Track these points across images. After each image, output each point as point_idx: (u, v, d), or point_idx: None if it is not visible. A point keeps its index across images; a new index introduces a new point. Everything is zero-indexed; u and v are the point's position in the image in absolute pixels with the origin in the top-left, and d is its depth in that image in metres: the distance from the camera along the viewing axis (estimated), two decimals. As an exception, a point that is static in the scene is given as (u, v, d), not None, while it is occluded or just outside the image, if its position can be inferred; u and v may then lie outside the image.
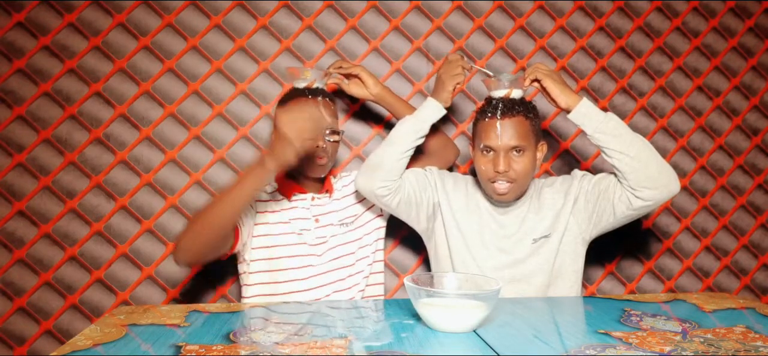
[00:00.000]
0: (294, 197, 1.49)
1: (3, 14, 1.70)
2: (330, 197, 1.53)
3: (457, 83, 1.43)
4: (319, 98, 1.46)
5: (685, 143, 1.97)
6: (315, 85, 1.48)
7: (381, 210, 1.60)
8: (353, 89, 1.58)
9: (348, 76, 1.59)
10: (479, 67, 1.53)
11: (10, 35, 1.70)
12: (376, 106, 1.77)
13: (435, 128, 1.53)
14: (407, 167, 1.49)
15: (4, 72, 1.69)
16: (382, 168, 1.42)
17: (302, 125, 1.18)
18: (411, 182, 1.47)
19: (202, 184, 1.77)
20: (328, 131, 1.45)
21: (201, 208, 1.26)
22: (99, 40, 1.73)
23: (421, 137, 1.44)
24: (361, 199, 1.57)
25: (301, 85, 1.48)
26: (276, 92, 1.80)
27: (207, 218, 1.23)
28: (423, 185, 1.49)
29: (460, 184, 1.54)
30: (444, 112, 1.44)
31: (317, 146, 1.43)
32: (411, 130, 1.43)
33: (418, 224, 1.54)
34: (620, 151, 1.33)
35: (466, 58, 1.44)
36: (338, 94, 1.78)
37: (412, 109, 1.58)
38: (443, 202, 1.49)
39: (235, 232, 1.37)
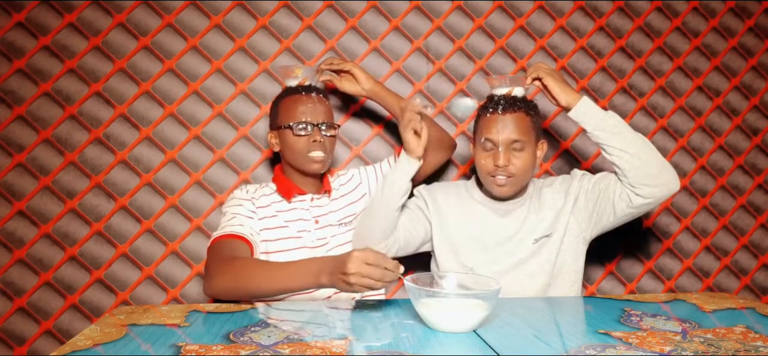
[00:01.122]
0: (293, 199, 1.49)
1: (3, 14, 1.69)
2: (329, 197, 1.53)
3: (414, 129, 1.36)
4: (313, 95, 1.47)
5: (685, 143, 1.97)
6: (307, 83, 1.49)
7: None
8: (346, 85, 1.59)
9: (339, 72, 1.60)
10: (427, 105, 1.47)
11: (10, 35, 1.70)
12: (377, 106, 1.77)
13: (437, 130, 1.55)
14: None
15: (4, 72, 1.69)
16: (376, 233, 1.43)
17: (372, 275, 1.08)
18: (404, 227, 1.48)
19: (202, 184, 1.77)
20: (324, 126, 1.45)
21: (243, 269, 1.21)
22: (99, 40, 1.73)
23: (406, 194, 1.41)
24: (360, 197, 1.57)
25: (293, 83, 1.50)
26: (276, 91, 1.79)
27: (245, 285, 1.21)
28: (415, 220, 1.50)
29: (452, 193, 1.55)
30: (417, 163, 1.40)
31: (314, 141, 1.43)
32: (389, 195, 1.40)
33: (422, 249, 1.56)
34: (620, 148, 1.33)
35: (418, 101, 1.36)
36: (337, 93, 1.78)
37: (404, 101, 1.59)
38: (435, 220, 1.51)
39: (250, 247, 1.36)
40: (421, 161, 1.40)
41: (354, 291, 1.10)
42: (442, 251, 1.50)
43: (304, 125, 1.44)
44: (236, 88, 1.78)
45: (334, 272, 1.11)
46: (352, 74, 1.59)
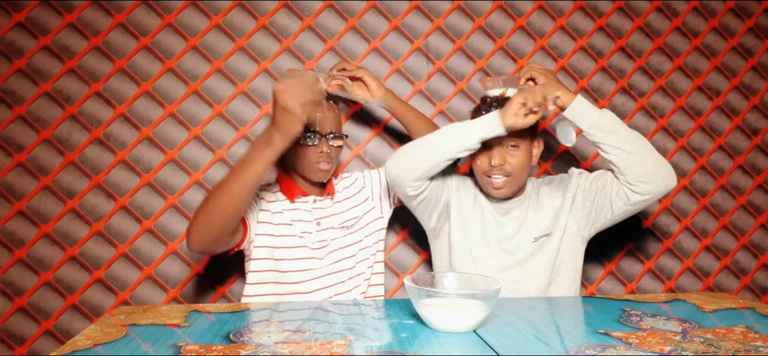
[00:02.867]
0: (296, 199, 1.48)
1: (3, 14, 1.70)
2: (332, 199, 1.53)
3: (527, 107, 1.29)
4: (323, 102, 1.43)
5: (685, 143, 1.97)
6: None
7: (382, 211, 1.59)
8: (356, 92, 1.56)
9: (351, 78, 1.57)
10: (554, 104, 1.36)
11: (10, 35, 1.70)
12: (376, 106, 1.77)
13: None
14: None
15: (4, 72, 1.69)
16: (420, 168, 1.37)
17: (301, 91, 1.16)
18: (434, 182, 1.44)
19: (202, 184, 1.77)
20: (331, 136, 1.44)
21: (211, 191, 1.26)
22: (99, 40, 1.73)
23: (470, 150, 1.36)
24: (362, 201, 1.57)
25: None
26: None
27: (217, 200, 1.23)
28: (441, 185, 1.47)
29: (465, 184, 1.54)
30: (504, 131, 1.33)
31: (321, 152, 1.42)
32: (459, 142, 1.34)
33: (429, 223, 1.53)
34: (616, 146, 1.34)
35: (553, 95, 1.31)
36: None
37: (417, 112, 1.58)
38: (454, 202, 1.49)
39: (244, 225, 1.37)
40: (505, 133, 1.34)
41: (294, 116, 1.15)
42: (456, 229, 1.47)
43: (311, 136, 1.41)
44: (236, 88, 1.78)
45: (278, 120, 1.17)
46: (363, 81, 1.55)
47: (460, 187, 1.52)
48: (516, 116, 1.29)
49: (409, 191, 1.41)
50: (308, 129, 1.41)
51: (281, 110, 1.16)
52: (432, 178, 1.42)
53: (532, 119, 1.30)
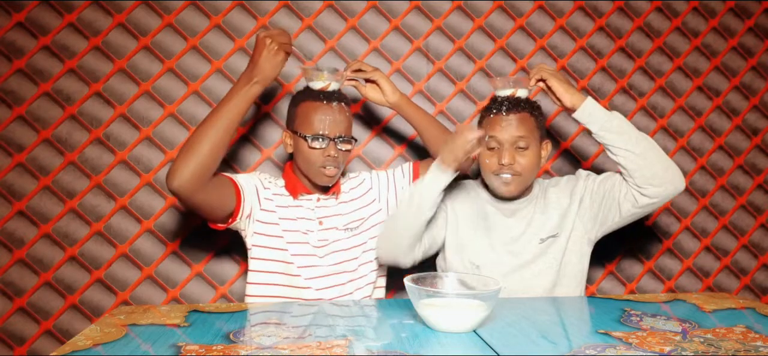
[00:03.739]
0: (300, 197, 1.48)
1: (3, 14, 1.69)
2: (336, 199, 1.51)
3: (467, 153, 1.30)
4: (334, 104, 1.42)
5: (685, 143, 1.97)
6: (330, 88, 1.43)
7: (388, 213, 1.58)
8: (370, 93, 1.54)
9: (366, 80, 1.55)
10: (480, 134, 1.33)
11: (10, 35, 1.70)
12: (377, 106, 1.77)
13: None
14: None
15: (4, 72, 1.69)
16: (405, 241, 1.38)
17: (277, 33, 1.33)
18: (427, 231, 1.45)
19: (202, 184, 1.77)
20: (340, 139, 1.42)
21: (193, 131, 1.32)
22: (99, 40, 1.73)
23: (436, 205, 1.36)
24: (369, 202, 1.55)
25: (317, 86, 1.43)
26: (276, 92, 1.80)
27: (199, 134, 1.30)
28: (434, 221, 1.48)
29: (462, 192, 1.54)
30: (453, 175, 1.33)
31: (328, 156, 1.40)
32: (421, 206, 1.34)
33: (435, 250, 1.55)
34: (625, 149, 1.34)
35: (472, 135, 1.28)
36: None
37: (430, 117, 1.56)
38: (451, 219, 1.50)
39: (238, 198, 1.37)
40: (457, 173, 1.34)
41: (275, 57, 1.31)
42: (451, 250, 1.49)
43: (319, 139, 1.40)
44: (236, 88, 1.78)
45: (253, 57, 1.32)
46: (377, 84, 1.53)
47: (459, 198, 1.52)
48: (455, 158, 1.30)
49: (410, 263, 1.42)
50: (318, 135, 1.40)
51: (265, 52, 1.30)
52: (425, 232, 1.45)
53: (468, 157, 1.31)
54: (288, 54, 1.36)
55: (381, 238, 1.45)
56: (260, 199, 1.43)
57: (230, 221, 1.40)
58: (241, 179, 1.42)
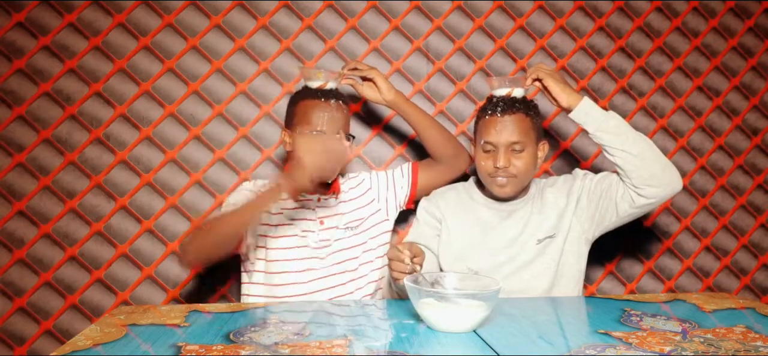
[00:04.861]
0: (300, 196, 1.48)
1: (3, 14, 1.69)
2: (337, 198, 1.52)
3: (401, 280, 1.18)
4: (332, 102, 1.43)
5: (685, 143, 1.97)
6: (328, 87, 1.45)
7: (388, 213, 1.58)
8: (367, 92, 1.55)
9: (362, 78, 1.56)
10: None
11: (10, 35, 1.70)
12: (377, 106, 1.77)
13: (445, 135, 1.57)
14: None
15: (4, 72, 1.69)
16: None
17: (322, 158, 1.22)
18: (429, 260, 1.46)
19: (202, 184, 1.77)
20: (339, 136, 1.42)
21: (210, 220, 1.29)
22: (99, 40, 1.73)
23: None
24: (368, 202, 1.55)
25: (315, 85, 1.45)
26: (276, 92, 1.80)
27: (215, 232, 1.26)
28: (433, 246, 1.50)
29: (452, 198, 1.54)
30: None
31: None
32: (399, 293, 1.33)
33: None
34: (622, 149, 1.33)
35: (407, 260, 1.19)
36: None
37: (428, 116, 1.56)
38: (444, 231, 1.50)
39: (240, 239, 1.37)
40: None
41: (307, 177, 1.21)
42: (446, 258, 1.49)
43: (318, 136, 1.40)
44: (236, 88, 1.78)
45: (291, 171, 1.22)
46: (374, 82, 1.53)
47: (450, 205, 1.52)
48: (399, 281, 1.20)
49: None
50: (317, 133, 1.41)
51: (298, 164, 1.20)
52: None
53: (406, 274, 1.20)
54: (332, 171, 1.29)
55: (385, 293, 1.51)
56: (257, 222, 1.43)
57: (232, 253, 1.41)
58: None
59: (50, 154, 1.71)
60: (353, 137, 1.48)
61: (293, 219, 1.45)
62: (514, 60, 1.89)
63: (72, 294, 1.72)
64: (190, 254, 1.27)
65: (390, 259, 1.24)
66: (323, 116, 1.41)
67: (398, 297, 1.34)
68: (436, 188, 1.60)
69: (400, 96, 1.54)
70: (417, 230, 1.55)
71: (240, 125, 1.79)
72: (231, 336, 0.99)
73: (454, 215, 1.50)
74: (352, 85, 1.57)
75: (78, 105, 1.72)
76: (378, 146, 1.84)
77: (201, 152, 1.77)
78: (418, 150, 1.84)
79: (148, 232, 1.75)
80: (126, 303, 1.74)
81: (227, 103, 1.78)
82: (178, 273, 1.75)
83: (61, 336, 1.71)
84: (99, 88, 1.73)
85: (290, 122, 1.47)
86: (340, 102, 1.45)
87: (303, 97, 1.45)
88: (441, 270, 1.51)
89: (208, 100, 1.77)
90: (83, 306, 1.72)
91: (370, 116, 1.84)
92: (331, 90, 1.45)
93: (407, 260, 1.16)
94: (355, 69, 1.55)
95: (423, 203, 1.56)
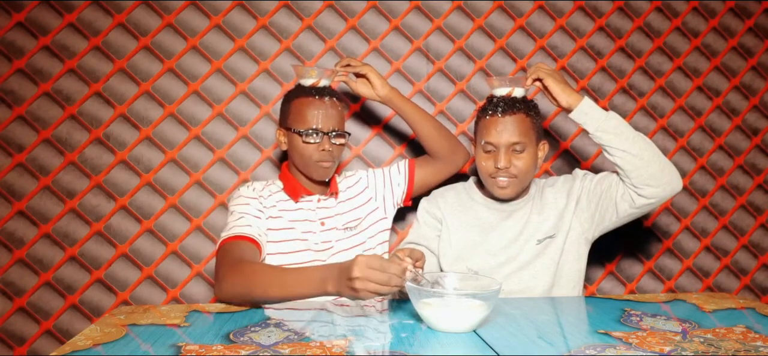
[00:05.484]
0: (300, 199, 1.48)
1: (3, 14, 1.70)
2: (336, 198, 1.52)
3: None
4: (326, 99, 1.44)
5: (685, 143, 1.97)
6: (321, 84, 1.46)
7: (386, 211, 1.58)
8: (360, 88, 1.55)
9: (356, 75, 1.56)
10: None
11: (10, 35, 1.70)
12: (377, 105, 1.77)
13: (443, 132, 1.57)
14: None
15: (4, 72, 1.69)
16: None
17: (379, 283, 1.07)
18: (431, 261, 1.47)
19: (202, 184, 1.77)
20: (334, 133, 1.43)
21: (252, 275, 1.21)
22: (99, 40, 1.73)
23: None
24: (365, 201, 1.55)
25: (307, 83, 1.46)
26: (276, 92, 1.80)
27: (253, 291, 1.20)
28: (434, 247, 1.50)
29: (452, 197, 1.54)
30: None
31: (323, 150, 1.41)
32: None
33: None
34: (622, 149, 1.33)
35: (409, 274, 1.11)
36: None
37: (422, 112, 1.56)
38: (444, 231, 1.50)
39: (259, 250, 1.36)
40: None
41: (360, 298, 1.10)
42: (446, 258, 1.49)
43: (313, 133, 1.41)
44: (236, 88, 1.78)
45: (340, 278, 1.11)
46: (367, 78, 1.54)
47: (449, 205, 1.52)
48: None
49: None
50: (312, 130, 1.40)
51: (351, 281, 1.08)
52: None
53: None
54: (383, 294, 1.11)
55: None
56: (263, 220, 1.42)
57: None
58: (254, 229, 1.37)
59: (50, 154, 1.71)
60: (349, 134, 1.48)
61: (294, 222, 1.45)
62: (514, 60, 1.89)
63: (72, 294, 1.72)
64: (225, 295, 1.23)
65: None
66: (318, 114, 1.41)
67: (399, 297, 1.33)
68: (433, 185, 1.60)
69: (395, 92, 1.54)
70: (417, 231, 1.55)
71: (240, 125, 1.79)
72: (231, 336, 0.99)
73: (454, 216, 1.50)
74: (346, 82, 1.57)
75: (78, 105, 1.72)
76: (378, 146, 1.84)
77: (201, 152, 1.77)
78: (418, 150, 1.84)
79: (148, 232, 1.75)
80: (126, 303, 1.74)
81: (227, 103, 1.78)
82: (178, 272, 1.75)
83: (61, 336, 1.71)
84: (99, 88, 1.73)
85: (285, 120, 1.47)
86: (334, 99, 1.46)
87: (297, 95, 1.46)
88: (441, 270, 1.51)
89: (208, 100, 1.77)
90: (83, 306, 1.72)
91: (369, 116, 1.84)
92: (324, 87, 1.46)
93: (410, 266, 1.15)
94: (349, 66, 1.54)
95: (423, 203, 1.56)
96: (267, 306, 1.25)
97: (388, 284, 1.07)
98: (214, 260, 1.78)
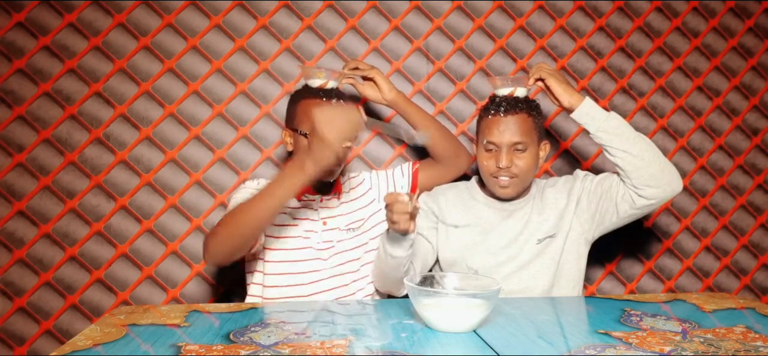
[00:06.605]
0: (303, 197, 1.47)
1: (3, 14, 1.70)
2: (338, 198, 1.51)
3: (403, 225, 1.20)
4: (334, 101, 1.42)
5: (685, 143, 1.97)
6: (329, 86, 1.44)
7: None
8: (367, 91, 1.55)
9: (363, 78, 1.55)
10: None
11: (10, 35, 1.70)
12: (377, 106, 1.77)
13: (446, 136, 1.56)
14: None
15: (4, 72, 1.69)
16: (394, 289, 1.42)
17: (342, 126, 1.13)
18: (420, 254, 1.46)
19: (202, 184, 1.77)
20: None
21: (234, 210, 1.23)
22: (99, 40, 1.73)
23: (409, 260, 1.31)
24: (368, 202, 1.55)
25: (315, 84, 1.44)
26: (276, 91, 1.80)
27: (240, 221, 1.21)
28: (426, 242, 1.49)
29: (454, 195, 1.54)
30: (408, 239, 1.26)
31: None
32: (394, 266, 1.31)
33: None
34: (623, 150, 1.33)
35: (405, 198, 1.18)
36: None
37: (428, 116, 1.56)
38: (441, 226, 1.50)
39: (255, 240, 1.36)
40: (413, 233, 1.26)
41: (333, 150, 1.13)
42: (446, 255, 1.49)
43: None
44: (236, 88, 1.78)
45: (310, 147, 1.15)
46: (375, 82, 1.53)
47: (449, 203, 1.51)
48: (401, 226, 1.19)
49: (404, 293, 1.42)
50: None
51: (319, 139, 1.13)
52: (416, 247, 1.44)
53: (408, 218, 1.19)
54: (352, 140, 1.18)
55: (374, 278, 1.47)
56: None
57: (252, 249, 1.39)
58: None
59: (50, 154, 1.71)
60: (355, 137, 1.47)
61: (296, 220, 1.45)
62: (514, 60, 1.89)
63: (72, 294, 1.72)
64: (215, 251, 1.23)
65: (389, 202, 1.20)
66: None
67: (390, 258, 1.30)
68: (434, 186, 1.60)
69: (401, 96, 1.54)
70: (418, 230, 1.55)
71: (240, 125, 1.79)
72: (231, 336, 0.99)
73: (455, 214, 1.50)
74: (352, 85, 1.57)
75: (78, 105, 1.72)
76: (378, 146, 1.84)
77: (201, 152, 1.77)
78: (418, 151, 1.84)
79: (148, 232, 1.75)
80: (126, 303, 1.74)
81: (227, 103, 1.78)
82: (178, 272, 1.75)
83: (61, 336, 1.71)
84: (99, 88, 1.73)
85: (291, 121, 1.46)
86: (341, 101, 1.45)
87: (304, 96, 1.44)
88: (440, 270, 1.52)
89: (208, 100, 1.77)
90: (83, 306, 1.72)
91: (369, 116, 1.84)
92: (332, 89, 1.45)
93: (406, 198, 1.14)
94: (356, 68, 1.54)
95: (424, 196, 1.56)
96: (265, 304, 1.25)
97: (352, 119, 1.15)
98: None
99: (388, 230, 1.26)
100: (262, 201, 1.20)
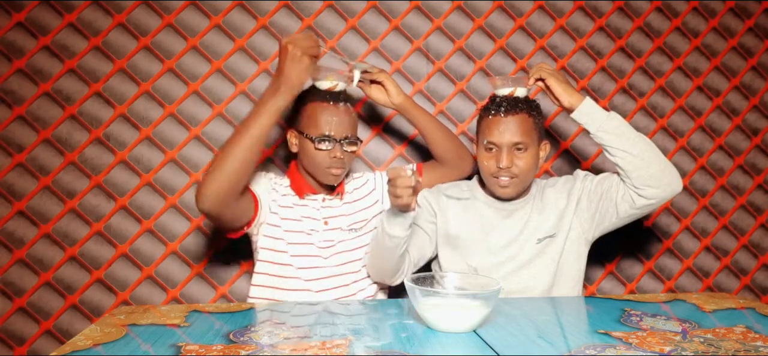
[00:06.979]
0: (305, 197, 1.48)
1: (3, 14, 1.69)
2: (341, 199, 1.52)
3: (405, 199, 1.22)
4: (341, 105, 1.42)
5: (685, 143, 1.97)
6: (337, 89, 1.43)
7: None
8: (375, 94, 1.54)
9: (371, 81, 1.55)
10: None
11: (10, 35, 1.70)
12: (377, 106, 1.77)
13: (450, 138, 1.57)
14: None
15: (4, 72, 1.69)
16: (386, 275, 1.43)
17: (306, 42, 1.25)
18: (416, 245, 1.46)
19: (202, 184, 1.77)
20: (346, 141, 1.42)
21: (220, 148, 1.28)
22: (99, 40, 1.73)
23: (407, 241, 1.33)
24: (372, 203, 1.55)
25: (325, 86, 1.43)
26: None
27: (229, 155, 1.25)
28: (423, 235, 1.49)
29: (455, 193, 1.54)
30: (407, 218, 1.28)
31: (334, 156, 1.40)
32: (391, 246, 1.33)
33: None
34: (623, 150, 1.34)
35: (409, 172, 1.20)
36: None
37: (434, 119, 1.57)
38: (440, 222, 1.50)
39: (254, 200, 1.37)
40: (413, 211, 1.29)
41: (303, 67, 1.24)
42: (445, 252, 1.49)
43: (326, 140, 1.40)
44: (236, 88, 1.78)
45: (284, 69, 1.24)
46: (383, 85, 1.52)
47: (449, 202, 1.51)
48: (402, 201, 1.21)
49: (400, 281, 1.43)
50: (325, 137, 1.40)
51: (289, 59, 1.23)
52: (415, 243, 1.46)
53: (410, 193, 1.21)
54: (314, 57, 1.28)
55: (368, 263, 1.47)
56: (271, 202, 1.43)
57: (245, 228, 1.40)
58: (259, 188, 1.42)
59: (50, 154, 1.71)
60: (361, 141, 1.48)
61: (297, 220, 1.45)
62: (514, 60, 1.89)
63: (72, 294, 1.72)
64: (207, 193, 1.24)
65: (391, 177, 1.21)
66: (332, 121, 1.40)
67: (388, 239, 1.31)
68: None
69: (409, 100, 1.54)
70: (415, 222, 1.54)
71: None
72: (231, 336, 0.99)
73: (456, 213, 1.50)
74: (360, 87, 1.56)
75: (78, 105, 1.72)
76: (378, 146, 1.84)
77: (201, 152, 1.77)
78: (418, 150, 1.84)
79: (148, 232, 1.75)
80: (126, 303, 1.74)
81: (227, 103, 1.78)
82: (178, 272, 1.75)
83: (61, 336, 1.71)
84: (99, 88, 1.73)
85: (297, 122, 1.46)
86: (349, 105, 1.45)
87: (312, 98, 1.44)
88: (440, 270, 1.51)
89: (208, 100, 1.77)
90: (83, 306, 1.72)
91: (370, 116, 1.84)
92: (340, 92, 1.44)
93: (409, 173, 1.16)
94: (366, 72, 1.53)
95: (424, 191, 1.56)
96: (266, 296, 1.25)
97: (316, 44, 1.27)
98: (214, 260, 1.78)
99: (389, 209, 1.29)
100: (247, 131, 1.25)
